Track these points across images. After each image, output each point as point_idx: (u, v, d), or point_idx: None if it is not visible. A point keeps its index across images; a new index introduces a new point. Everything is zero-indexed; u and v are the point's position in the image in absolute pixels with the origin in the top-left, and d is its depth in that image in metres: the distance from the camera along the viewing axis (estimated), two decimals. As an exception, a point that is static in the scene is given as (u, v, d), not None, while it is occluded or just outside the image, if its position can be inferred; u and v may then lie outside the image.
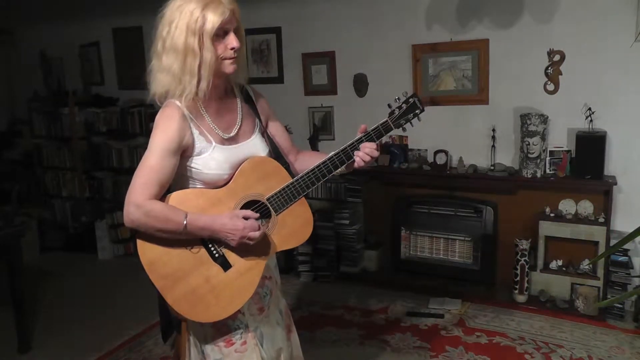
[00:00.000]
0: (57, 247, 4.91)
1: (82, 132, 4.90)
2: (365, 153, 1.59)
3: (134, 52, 4.81)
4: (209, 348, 1.60)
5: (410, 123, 1.65)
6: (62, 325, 3.41)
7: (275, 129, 1.76)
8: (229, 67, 1.51)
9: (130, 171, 4.67)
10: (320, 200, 4.06)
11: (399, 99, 1.64)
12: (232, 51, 1.48)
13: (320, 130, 4.18)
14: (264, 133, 1.69)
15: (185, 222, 1.43)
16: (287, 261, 4.04)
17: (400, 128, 1.65)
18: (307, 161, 1.72)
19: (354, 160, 1.61)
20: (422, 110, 1.65)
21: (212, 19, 1.43)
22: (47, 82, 5.33)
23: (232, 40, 1.48)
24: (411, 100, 1.63)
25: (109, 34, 4.94)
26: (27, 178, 5.20)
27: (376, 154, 1.61)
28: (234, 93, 1.65)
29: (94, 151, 4.92)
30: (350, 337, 3.10)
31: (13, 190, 5.03)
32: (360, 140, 1.60)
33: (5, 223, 3.08)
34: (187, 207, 1.48)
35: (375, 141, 1.61)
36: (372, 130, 1.61)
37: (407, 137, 3.87)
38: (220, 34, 1.46)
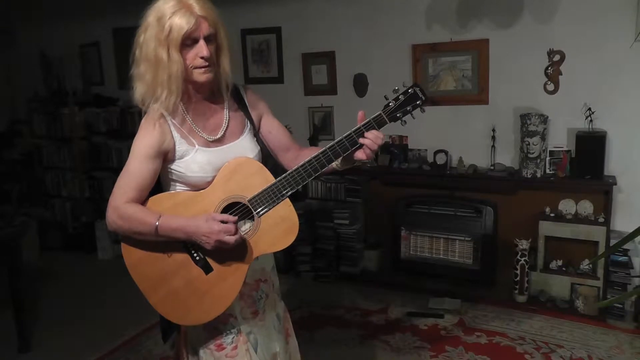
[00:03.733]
0: (57, 247, 4.91)
1: (82, 132, 4.90)
2: (370, 140, 1.48)
3: (134, 52, 4.80)
4: (201, 351, 1.60)
5: (412, 115, 1.52)
6: (62, 325, 3.41)
7: (271, 126, 1.70)
8: (199, 76, 1.46)
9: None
10: (320, 200, 4.06)
11: (397, 89, 1.52)
12: (202, 60, 1.43)
13: (320, 130, 4.18)
14: (256, 133, 1.66)
15: (157, 224, 1.42)
16: (287, 261, 4.04)
17: (399, 121, 1.52)
18: (307, 157, 1.61)
19: (348, 156, 1.53)
20: (424, 100, 1.50)
21: (177, 28, 1.38)
22: (47, 82, 5.33)
23: (201, 49, 1.42)
24: (411, 90, 1.50)
25: (109, 34, 4.94)
26: (27, 178, 5.20)
27: (379, 142, 1.49)
28: (221, 94, 1.60)
29: (94, 151, 4.92)
30: (350, 337, 3.10)
31: (13, 190, 5.04)
32: (349, 137, 1.49)
33: (5, 223, 3.08)
34: (166, 209, 1.47)
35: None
36: (363, 125, 1.49)
37: (407, 137, 3.87)
38: (189, 43, 1.42)
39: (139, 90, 1.48)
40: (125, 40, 4.76)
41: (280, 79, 4.29)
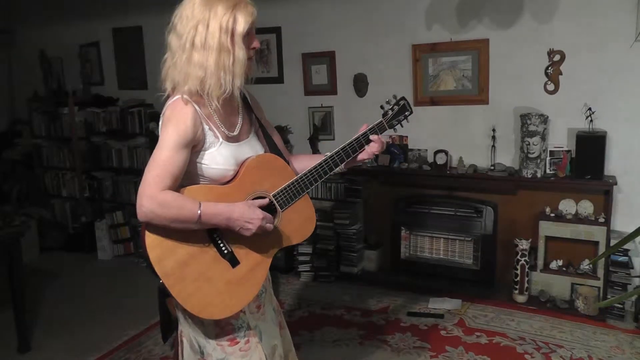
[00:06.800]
0: (57, 247, 4.91)
1: (82, 132, 4.90)
2: (374, 143, 1.70)
3: (134, 52, 4.81)
4: (210, 347, 1.60)
5: (401, 124, 1.77)
6: (62, 325, 3.41)
7: (269, 131, 1.78)
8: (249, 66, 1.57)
9: (130, 171, 4.74)
10: (321, 200, 4.06)
11: (389, 101, 1.75)
12: (252, 51, 1.55)
13: (320, 130, 4.18)
14: (258, 132, 1.73)
15: (199, 211, 1.43)
16: (287, 261, 4.04)
17: (392, 129, 1.77)
18: (301, 163, 1.75)
19: (354, 158, 1.69)
20: (411, 112, 1.77)
21: (243, 19, 1.48)
22: (47, 82, 5.34)
23: (255, 40, 1.55)
24: (401, 102, 1.76)
25: (109, 34, 4.95)
26: (27, 178, 5.20)
27: (381, 147, 1.71)
28: (235, 94, 1.65)
29: (94, 151, 4.92)
30: (350, 337, 3.10)
31: (13, 190, 5.04)
32: (358, 139, 1.68)
33: (5, 223, 3.08)
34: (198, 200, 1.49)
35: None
36: (368, 130, 1.70)
37: (407, 137, 3.87)
38: (246, 33, 1.50)
39: (197, 76, 1.48)
40: (125, 40, 4.85)
41: (280, 79, 4.29)
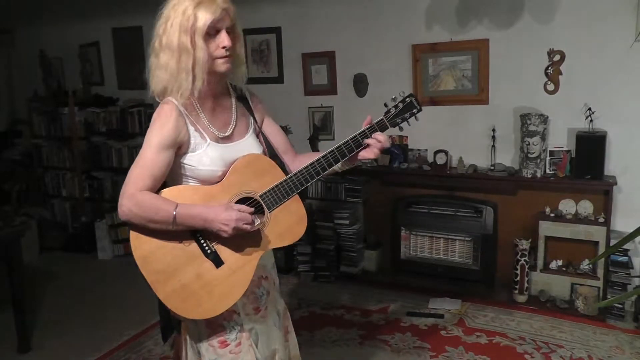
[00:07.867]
0: (57, 247, 4.90)
1: (82, 132, 4.90)
2: (376, 140, 1.59)
3: (134, 52, 4.81)
4: (203, 348, 1.60)
5: (407, 122, 1.65)
6: (62, 325, 3.41)
7: (271, 130, 1.76)
8: (221, 66, 1.51)
9: (130, 171, 4.73)
10: (320, 200, 4.06)
11: (395, 98, 1.65)
12: (223, 50, 1.49)
13: (320, 130, 4.18)
14: (259, 133, 1.70)
15: (174, 212, 1.43)
16: (287, 261, 4.04)
17: (397, 127, 1.65)
18: (304, 162, 1.69)
19: (351, 157, 1.61)
20: (419, 110, 1.64)
21: (203, 18, 1.44)
22: (47, 82, 5.33)
23: (223, 39, 1.48)
24: (408, 99, 1.64)
25: (109, 34, 4.95)
26: (27, 178, 5.20)
27: (387, 144, 1.61)
28: (229, 92, 1.66)
29: (94, 151, 4.92)
30: (350, 337, 3.10)
31: (13, 190, 5.04)
32: (354, 138, 1.60)
33: (5, 223, 3.08)
34: (181, 201, 1.49)
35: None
36: (367, 129, 1.61)
37: (407, 137, 3.87)
38: (212, 32, 1.47)
39: (161, 78, 1.50)
40: (125, 40, 4.85)
41: (280, 79, 4.29)
